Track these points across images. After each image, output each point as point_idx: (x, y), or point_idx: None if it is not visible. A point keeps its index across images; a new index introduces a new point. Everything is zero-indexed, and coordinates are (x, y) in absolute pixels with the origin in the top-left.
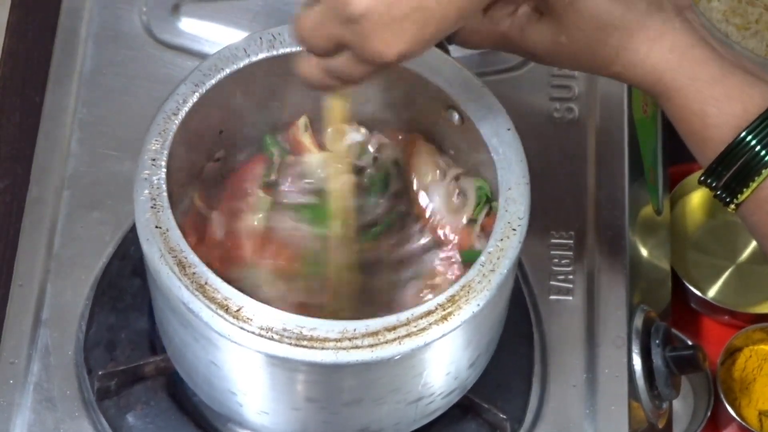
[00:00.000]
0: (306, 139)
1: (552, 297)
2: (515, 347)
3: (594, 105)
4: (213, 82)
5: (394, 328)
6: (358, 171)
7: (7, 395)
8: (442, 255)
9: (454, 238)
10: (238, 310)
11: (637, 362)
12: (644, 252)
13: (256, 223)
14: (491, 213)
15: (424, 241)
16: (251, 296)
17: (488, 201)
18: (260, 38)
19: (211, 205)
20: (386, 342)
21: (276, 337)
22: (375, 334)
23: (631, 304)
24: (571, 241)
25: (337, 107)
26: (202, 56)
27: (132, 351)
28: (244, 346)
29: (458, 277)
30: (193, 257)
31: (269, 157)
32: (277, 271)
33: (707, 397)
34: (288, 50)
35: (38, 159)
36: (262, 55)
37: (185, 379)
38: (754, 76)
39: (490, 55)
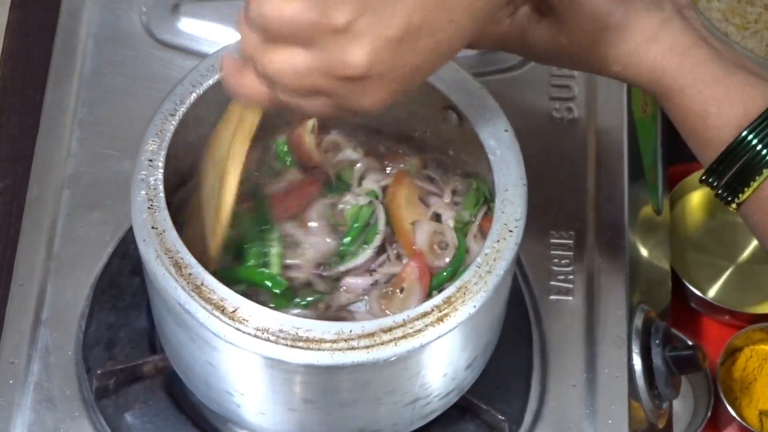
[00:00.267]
0: (310, 141)
1: (552, 297)
2: (515, 347)
3: (594, 105)
4: (211, 82)
5: (390, 329)
6: (338, 187)
7: (7, 395)
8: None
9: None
10: (234, 311)
11: (637, 362)
12: (644, 252)
13: None
14: (489, 214)
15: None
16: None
17: (486, 202)
18: None
19: None
20: (382, 343)
21: (272, 338)
22: (371, 335)
23: (631, 304)
24: (571, 241)
25: (250, 118)
26: (201, 56)
27: (131, 350)
28: (240, 347)
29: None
30: (189, 258)
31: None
32: None
33: (707, 397)
34: None
35: (38, 159)
36: None
37: (183, 379)
38: (755, 75)
39: (490, 54)
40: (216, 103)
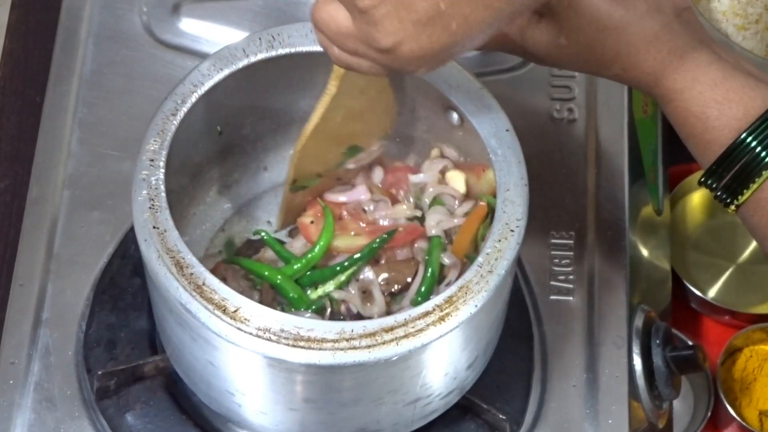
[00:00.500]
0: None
1: (552, 297)
2: (515, 347)
3: (594, 105)
4: (212, 82)
5: (392, 329)
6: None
7: (7, 395)
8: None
9: None
10: (235, 311)
11: (637, 362)
12: (644, 252)
13: None
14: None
15: None
16: None
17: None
18: (259, 38)
19: None
20: (383, 343)
21: (273, 337)
22: (372, 335)
23: (631, 304)
24: (571, 241)
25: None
26: (202, 56)
27: (132, 350)
28: (241, 346)
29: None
30: (190, 258)
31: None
32: None
33: (707, 397)
34: (287, 51)
35: (38, 159)
36: (261, 56)
37: (184, 379)
38: (755, 78)
39: (491, 55)
40: (216, 103)
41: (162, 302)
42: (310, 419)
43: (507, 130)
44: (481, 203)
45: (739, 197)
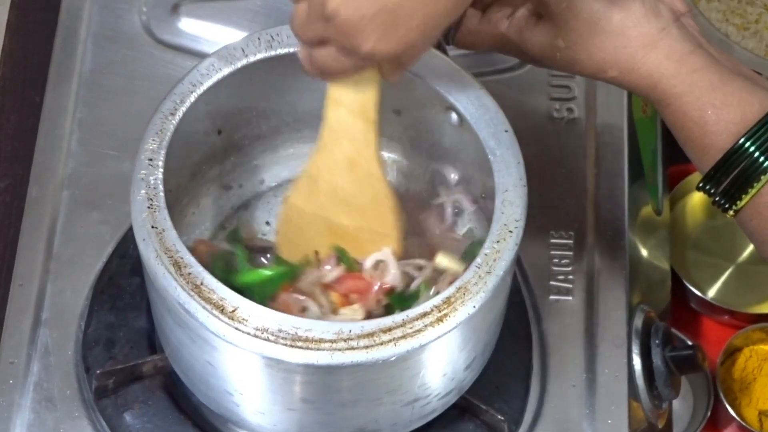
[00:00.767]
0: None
1: (552, 297)
2: (514, 347)
3: (594, 105)
4: (211, 82)
5: (390, 329)
6: None
7: (7, 395)
8: None
9: None
10: (233, 311)
11: (636, 362)
12: (644, 252)
13: None
14: None
15: None
16: None
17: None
18: (258, 38)
19: None
20: (381, 343)
21: (271, 338)
22: (370, 335)
23: (631, 304)
24: (571, 241)
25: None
26: (201, 56)
27: (131, 350)
28: (239, 346)
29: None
30: (189, 258)
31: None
32: None
33: (707, 397)
34: (286, 50)
35: (38, 159)
36: (260, 55)
37: (182, 379)
38: (753, 82)
39: (490, 55)
40: (216, 102)
41: (160, 302)
42: (309, 419)
43: (506, 131)
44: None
45: (738, 202)
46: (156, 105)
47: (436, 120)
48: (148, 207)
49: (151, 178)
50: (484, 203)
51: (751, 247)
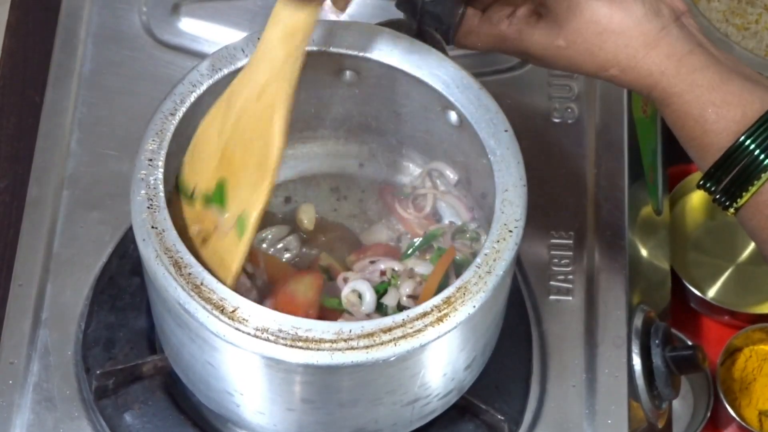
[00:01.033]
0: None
1: (552, 297)
2: (514, 347)
3: (594, 105)
4: (211, 82)
5: (390, 329)
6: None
7: (6, 395)
8: None
9: None
10: (233, 311)
11: (636, 362)
12: (644, 252)
13: None
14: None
15: None
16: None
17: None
18: (258, 38)
19: None
20: (381, 343)
21: (271, 338)
22: (370, 335)
23: (631, 304)
24: (571, 241)
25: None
26: (201, 56)
27: (130, 350)
28: (239, 347)
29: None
30: (189, 258)
31: None
32: None
33: (707, 397)
34: None
35: (38, 159)
36: None
37: (182, 379)
38: (753, 81)
39: (490, 55)
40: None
41: (160, 302)
42: (309, 419)
43: (506, 131)
44: (451, 245)
45: (738, 200)
46: (156, 105)
47: (436, 120)
48: (148, 207)
49: (151, 178)
50: (484, 203)
51: (751, 247)
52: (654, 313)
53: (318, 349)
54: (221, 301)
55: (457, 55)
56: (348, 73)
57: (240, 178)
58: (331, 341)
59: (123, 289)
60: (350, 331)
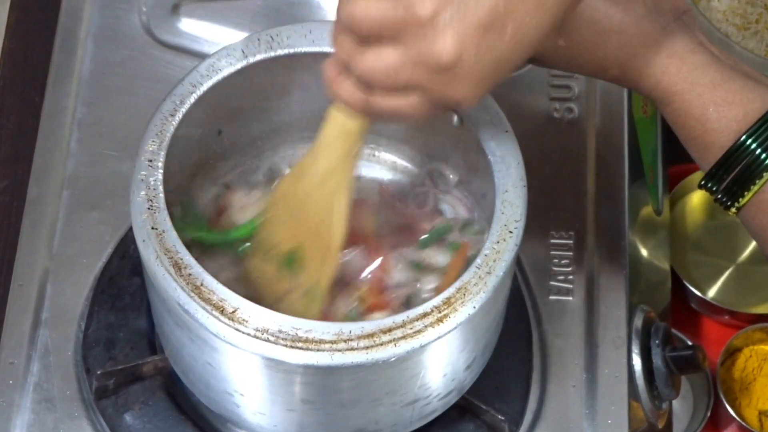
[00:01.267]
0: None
1: (552, 297)
2: (514, 348)
3: (594, 105)
4: (211, 82)
5: (390, 330)
6: None
7: (6, 395)
8: None
9: None
10: (233, 312)
11: (636, 362)
12: (644, 252)
13: None
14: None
15: None
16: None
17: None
18: (258, 39)
19: None
20: (381, 344)
21: (271, 338)
22: (370, 335)
23: (631, 304)
24: (571, 242)
25: (353, 137)
26: (201, 56)
27: (131, 350)
28: (239, 347)
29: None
30: (189, 258)
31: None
32: None
33: (707, 397)
34: (286, 51)
35: (38, 159)
36: (260, 56)
37: (182, 380)
38: (754, 80)
39: None
40: (216, 103)
41: (160, 303)
42: (309, 420)
43: (506, 131)
44: (463, 241)
45: (740, 200)
46: (156, 105)
47: (436, 120)
48: (148, 208)
49: (151, 179)
50: (484, 203)
51: (751, 247)
52: (654, 313)
53: (318, 350)
54: (221, 301)
55: None
56: None
57: (309, 250)
58: (331, 342)
59: (123, 290)
60: (350, 331)
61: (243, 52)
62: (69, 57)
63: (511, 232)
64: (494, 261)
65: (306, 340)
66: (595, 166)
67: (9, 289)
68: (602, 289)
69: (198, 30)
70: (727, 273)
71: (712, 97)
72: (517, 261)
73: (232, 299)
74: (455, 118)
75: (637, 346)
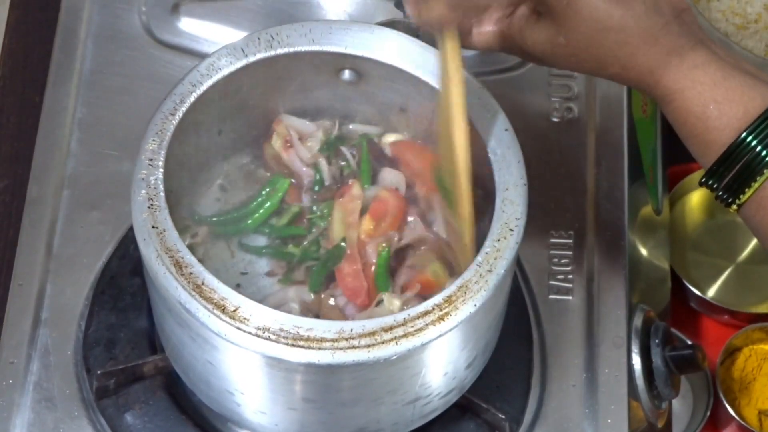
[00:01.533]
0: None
1: (552, 297)
2: (514, 347)
3: (594, 105)
4: (211, 82)
5: (391, 328)
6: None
7: (7, 395)
8: None
9: None
10: (234, 311)
11: (636, 362)
12: (644, 252)
13: None
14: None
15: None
16: None
17: None
18: (258, 38)
19: None
20: (383, 342)
21: (273, 337)
22: (372, 334)
23: (631, 303)
24: (571, 241)
25: (451, 47)
26: (201, 56)
27: (131, 350)
28: (240, 346)
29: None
30: (189, 257)
31: None
32: None
33: (707, 396)
34: (286, 50)
35: (38, 159)
36: (260, 55)
37: (183, 379)
38: (754, 77)
39: (490, 55)
40: (216, 102)
41: (161, 302)
42: (310, 419)
43: (506, 130)
44: None
45: (741, 197)
46: (156, 105)
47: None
48: (149, 207)
49: (152, 178)
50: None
51: (751, 247)
52: (654, 313)
53: (319, 348)
54: (222, 300)
55: None
56: (348, 72)
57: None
58: (333, 340)
59: (123, 289)
60: (351, 330)
61: (243, 51)
62: (69, 57)
63: (511, 230)
64: (495, 259)
65: (307, 339)
66: (595, 166)
67: (9, 289)
68: (602, 289)
69: (198, 30)
70: (726, 273)
71: (713, 94)
72: (517, 260)
73: (233, 298)
74: None
75: (637, 345)
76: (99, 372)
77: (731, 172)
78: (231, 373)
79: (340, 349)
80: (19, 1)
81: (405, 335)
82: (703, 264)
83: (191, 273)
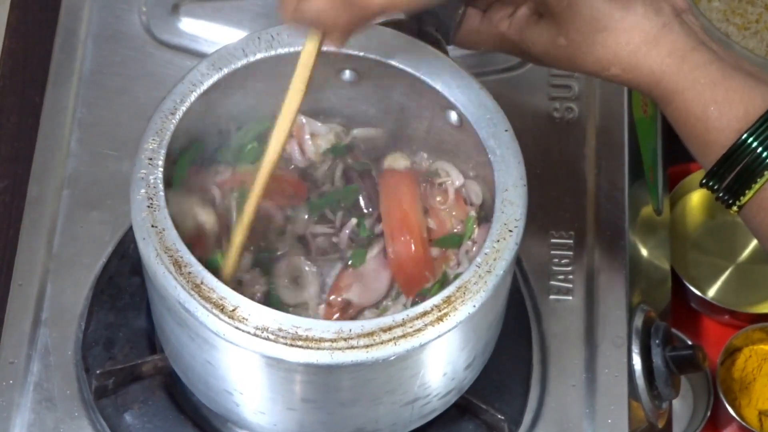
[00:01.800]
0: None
1: (552, 297)
2: (514, 347)
3: (594, 105)
4: (211, 81)
5: (390, 328)
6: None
7: (6, 395)
8: None
9: None
10: (233, 310)
11: (636, 362)
12: (644, 252)
13: None
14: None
15: None
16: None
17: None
18: (258, 38)
19: None
20: (382, 342)
21: (271, 337)
22: (370, 334)
23: (631, 303)
24: (571, 241)
25: (310, 48)
26: (201, 56)
27: (130, 350)
28: (239, 345)
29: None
30: (189, 257)
31: None
32: None
33: (707, 396)
34: (286, 50)
35: (38, 159)
36: (260, 55)
37: (182, 379)
38: (755, 78)
39: (490, 55)
40: (216, 102)
41: (160, 301)
42: (309, 419)
43: (506, 130)
44: None
45: (741, 198)
46: (156, 105)
47: (436, 120)
48: (148, 206)
49: (151, 177)
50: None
51: (751, 247)
52: (654, 313)
53: (318, 348)
54: (221, 300)
55: (457, 55)
56: (348, 72)
57: None
58: (331, 340)
59: (123, 289)
60: (350, 330)
61: (243, 51)
62: (69, 57)
63: (511, 231)
64: (494, 260)
65: (306, 339)
66: (595, 166)
67: (9, 289)
68: (602, 289)
69: (198, 30)
70: (727, 273)
71: (713, 95)
72: (517, 261)
73: (232, 297)
74: (455, 117)
75: (637, 345)
76: (98, 372)
77: (732, 174)
78: (230, 373)
79: (339, 349)
80: (19, 1)
81: (404, 336)
82: (703, 264)
83: (190, 272)
